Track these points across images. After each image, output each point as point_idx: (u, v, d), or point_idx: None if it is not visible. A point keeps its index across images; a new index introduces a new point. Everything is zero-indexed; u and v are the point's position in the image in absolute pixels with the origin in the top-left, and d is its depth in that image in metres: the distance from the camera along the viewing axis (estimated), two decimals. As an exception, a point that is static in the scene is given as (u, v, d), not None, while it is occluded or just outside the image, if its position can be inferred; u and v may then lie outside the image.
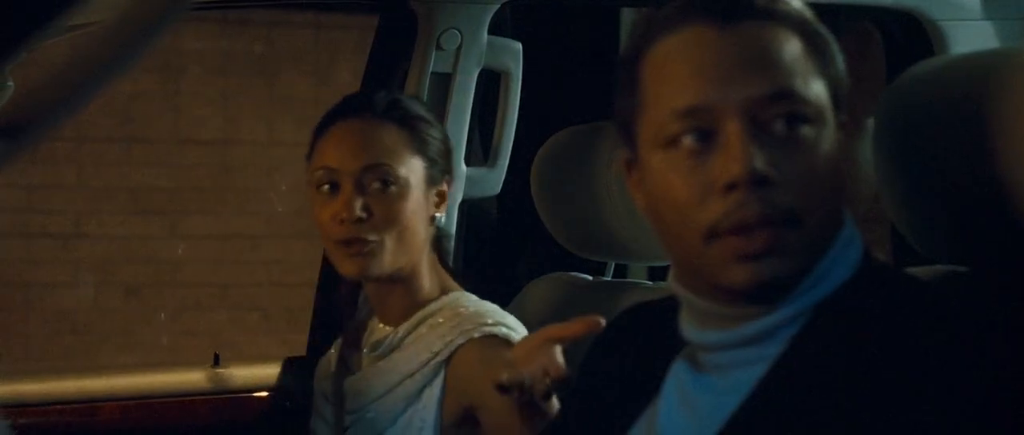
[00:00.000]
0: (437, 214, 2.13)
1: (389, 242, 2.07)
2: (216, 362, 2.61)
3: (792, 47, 1.27)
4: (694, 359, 1.35)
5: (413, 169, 2.09)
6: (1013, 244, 1.38)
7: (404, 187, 2.07)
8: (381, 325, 2.16)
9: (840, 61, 1.31)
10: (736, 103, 1.24)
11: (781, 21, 1.28)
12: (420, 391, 2.06)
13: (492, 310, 2.08)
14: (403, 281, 2.11)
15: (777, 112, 1.24)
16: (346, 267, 2.10)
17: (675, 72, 1.28)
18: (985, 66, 1.42)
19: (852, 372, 1.19)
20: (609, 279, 2.47)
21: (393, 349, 2.11)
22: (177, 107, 6.07)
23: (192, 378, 2.61)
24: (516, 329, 2.04)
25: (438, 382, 2.04)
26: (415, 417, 2.06)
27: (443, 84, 2.55)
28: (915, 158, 1.48)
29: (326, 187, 2.10)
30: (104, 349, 5.92)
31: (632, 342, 1.46)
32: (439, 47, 2.52)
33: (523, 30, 2.78)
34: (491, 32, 2.57)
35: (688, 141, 1.26)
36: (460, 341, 2.03)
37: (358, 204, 2.06)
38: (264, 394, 2.63)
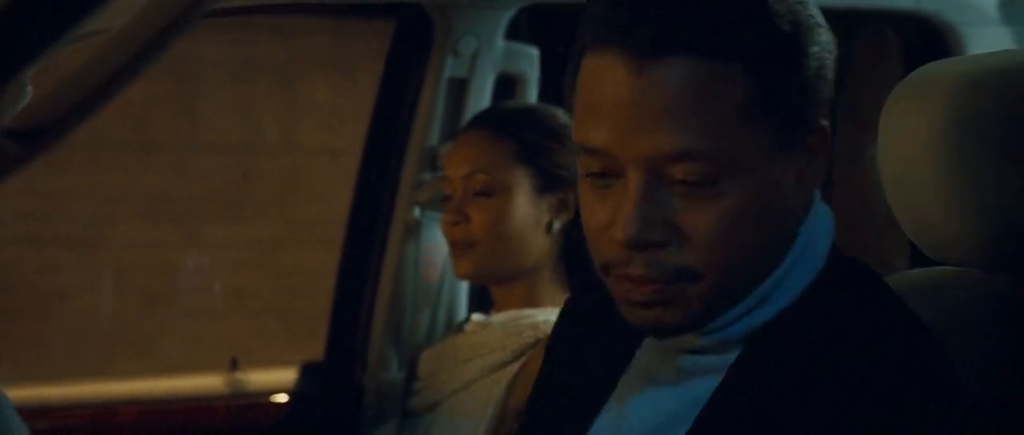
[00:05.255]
0: (555, 221, 2.25)
1: (486, 246, 2.23)
2: (234, 366, 2.65)
3: (719, 93, 1.16)
4: (653, 358, 1.30)
5: (519, 178, 2.24)
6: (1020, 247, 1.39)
7: (506, 194, 2.23)
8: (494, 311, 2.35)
9: (811, 81, 1.20)
10: (638, 158, 1.17)
11: (718, 55, 1.16)
12: (496, 368, 2.23)
13: None
14: (516, 284, 2.27)
15: (683, 170, 1.16)
16: (455, 270, 2.31)
17: (587, 103, 1.20)
18: (993, 68, 1.43)
19: (795, 392, 1.16)
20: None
21: (489, 328, 2.29)
22: (195, 113, 6.09)
23: (210, 382, 2.66)
24: None
25: (514, 367, 2.21)
26: (485, 389, 2.23)
27: (459, 89, 2.58)
28: (921, 160, 1.49)
29: (448, 195, 2.29)
30: (122, 355, 5.95)
31: (590, 328, 1.39)
32: (455, 52, 2.55)
33: (540, 35, 2.81)
34: (507, 37, 2.59)
35: (591, 177, 1.21)
36: (542, 335, 2.19)
37: (460, 209, 2.24)
38: (282, 398, 2.67)
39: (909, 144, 1.50)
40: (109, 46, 1.06)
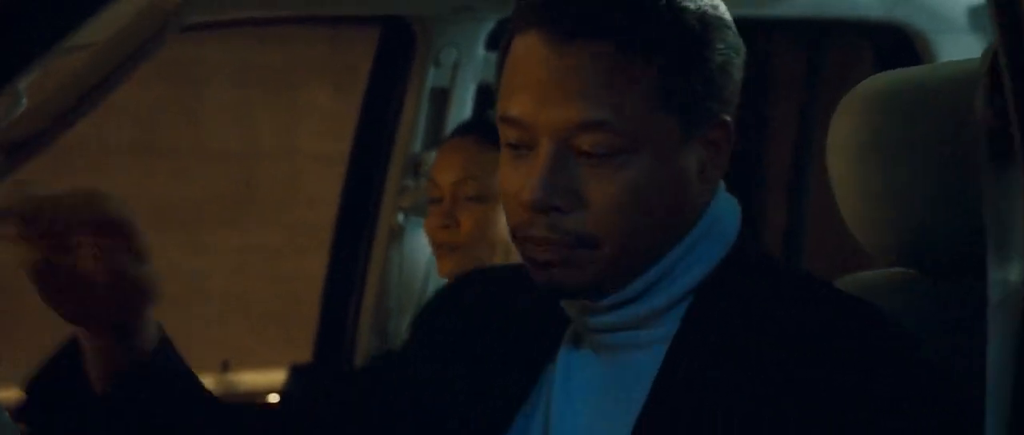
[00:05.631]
0: None
1: (472, 249, 2.29)
2: (225, 368, 2.70)
3: (627, 76, 1.25)
4: (578, 340, 1.36)
5: None
6: (956, 251, 1.44)
7: (495, 201, 2.26)
8: None
9: (715, 75, 1.28)
10: (548, 126, 1.26)
11: (629, 43, 1.25)
12: None
13: None
14: None
15: (590, 141, 1.25)
16: (439, 266, 2.35)
17: (510, 79, 1.28)
18: (935, 80, 1.48)
19: (743, 352, 1.24)
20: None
21: None
22: (197, 119, 6.08)
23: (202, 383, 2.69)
24: None
25: None
26: None
27: (441, 99, 2.63)
28: (866, 166, 1.55)
29: (435, 200, 2.33)
30: None
31: (488, 312, 1.43)
32: (437, 63, 2.60)
33: None
34: (490, 47, 2.64)
35: (509, 147, 1.28)
36: None
37: (449, 213, 2.29)
38: (272, 398, 2.71)
39: (855, 151, 1.55)
40: (93, 58, 1.13)
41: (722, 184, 1.34)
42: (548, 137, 1.26)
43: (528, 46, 1.26)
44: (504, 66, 1.30)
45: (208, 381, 2.62)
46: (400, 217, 2.68)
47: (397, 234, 2.67)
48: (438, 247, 2.33)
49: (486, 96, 2.70)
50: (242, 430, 1.47)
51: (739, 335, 1.26)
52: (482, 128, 2.34)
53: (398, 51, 2.64)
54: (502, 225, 2.27)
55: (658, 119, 1.27)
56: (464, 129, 2.39)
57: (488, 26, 2.61)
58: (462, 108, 2.65)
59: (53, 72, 1.13)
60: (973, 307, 1.31)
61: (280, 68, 6.09)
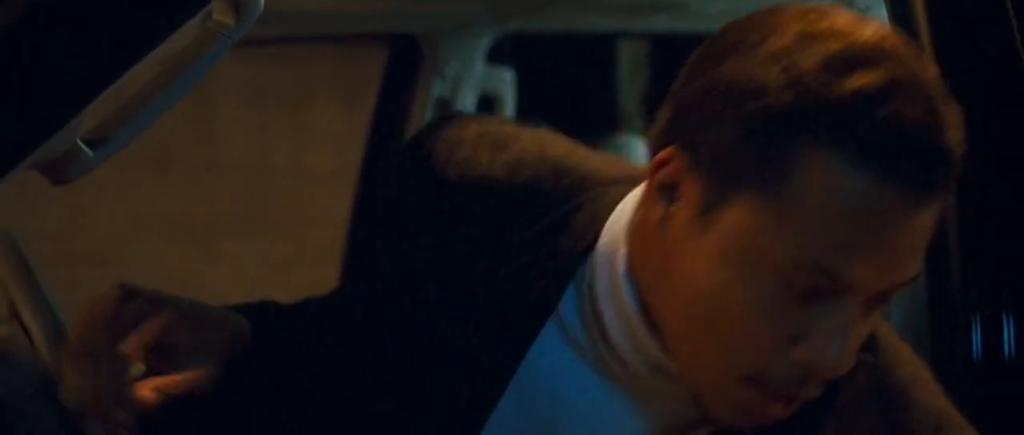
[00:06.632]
0: None
1: None
2: None
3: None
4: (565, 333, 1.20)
5: None
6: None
7: None
8: None
9: None
10: (876, 288, 1.09)
11: (950, 194, 1.08)
12: None
13: None
14: None
15: (893, 292, 1.11)
16: None
17: (838, 227, 1.06)
18: None
19: None
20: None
21: None
22: (213, 135, 6.11)
23: None
24: None
25: None
26: None
27: (445, 108, 2.74)
28: None
29: None
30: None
31: (483, 228, 1.23)
32: (441, 75, 2.73)
33: (524, 59, 2.98)
34: (491, 61, 2.79)
35: (790, 285, 1.08)
36: None
37: None
38: None
39: None
40: (160, 73, 1.34)
41: None
42: (864, 294, 1.08)
43: (870, 196, 1.04)
44: (813, 201, 1.05)
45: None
46: (408, 225, 2.79)
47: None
48: None
49: (485, 106, 2.82)
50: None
51: None
52: None
53: (406, 65, 2.77)
54: None
55: None
56: None
57: (487, 42, 2.76)
58: (462, 116, 2.79)
59: (127, 84, 1.32)
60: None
61: (291, 85, 6.13)
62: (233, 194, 6.20)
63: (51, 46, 1.17)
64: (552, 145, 1.26)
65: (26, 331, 1.39)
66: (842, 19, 1.07)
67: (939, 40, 1.41)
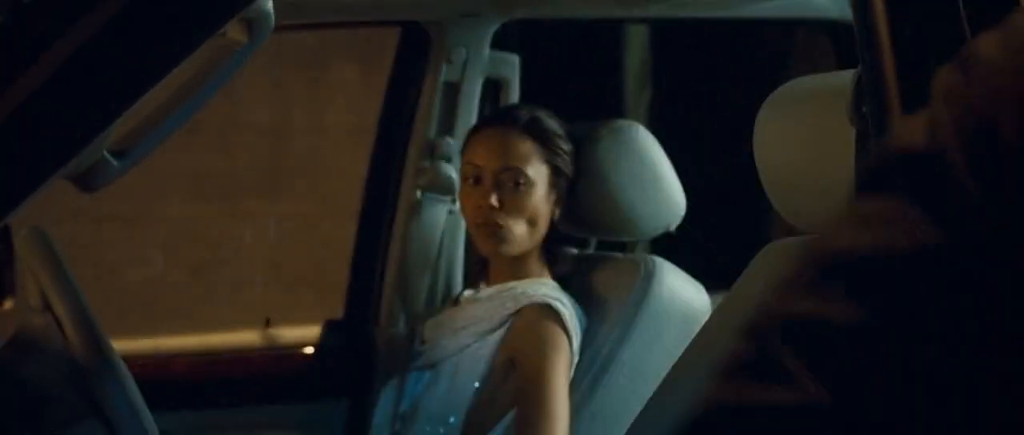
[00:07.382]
0: (556, 210, 2.52)
1: (516, 229, 2.47)
2: (268, 324, 2.90)
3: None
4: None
5: (541, 174, 2.49)
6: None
7: (531, 187, 2.47)
8: (483, 285, 2.59)
9: None
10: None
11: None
12: (486, 334, 2.48)
13: (552, 289, 2.50)
14: (515, 260, 2.52)
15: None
16: (482, 245, 2.52)
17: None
18: (845, 83, 1.69)
19: None
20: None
21: (478, 301, 2.54)
22: (235, 95, 6.21)
23: (248, 337, 2.90)
24: (566, 304, 2.45)
25: (500, 332, 2.47)
26: (478, 351, 2.48)
27: (453, 91, 2.80)
28: (790, 154, 1.82)
29: (471, 179, 2.51)
30: (169, 322, 6.02)
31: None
32: (448, 60, 2.76)
33: (529, 43, 3.03)
34: (497, 46, 2.82)
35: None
36: (521, 305, 2.46)
37: (494, 196, 2.47)
38: (309, 350, 2.90)
39: (782, 142, 1.84)
40: (181, 88, 1.46)
41: None
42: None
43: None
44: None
45: (253, 335, 2.91)
46: (418, 194, 2.82)
47: (416, 208, 2.81)
48: (479, 226, 2.48)
49: (491, 89, 2.87)
50: None
51: None
52: (526, 122, 2.49)
53: (416, 51, 2.81)
54: (536, 209, 2.46)
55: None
56: (505, 120, 2.53)
57: (493, 28, 2.79)
58: (471, 100, 2.81)
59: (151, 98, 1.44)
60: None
61: (310, 47, 6.19)
62: (256, 153, 6.28)
63: (87, 70, 1.28)
64: None
65: (58, 323, 1.50)
66: None
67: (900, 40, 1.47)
